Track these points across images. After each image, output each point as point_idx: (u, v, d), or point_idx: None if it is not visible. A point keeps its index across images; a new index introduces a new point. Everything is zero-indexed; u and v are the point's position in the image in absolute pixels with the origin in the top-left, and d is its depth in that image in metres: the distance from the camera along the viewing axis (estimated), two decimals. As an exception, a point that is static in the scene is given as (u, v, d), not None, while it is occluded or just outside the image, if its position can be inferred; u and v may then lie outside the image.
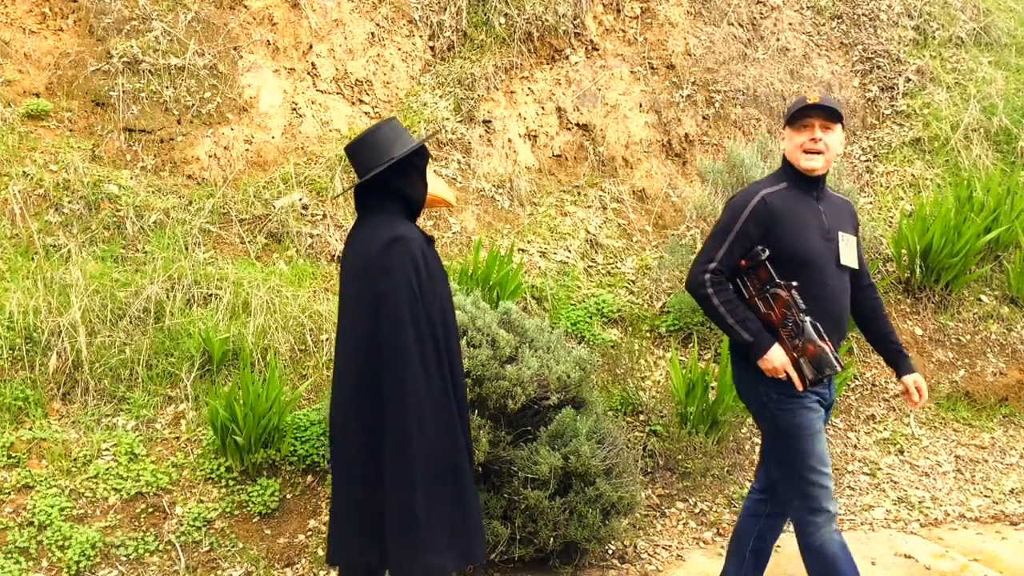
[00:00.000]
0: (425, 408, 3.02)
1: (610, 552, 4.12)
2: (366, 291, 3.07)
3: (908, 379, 3.29)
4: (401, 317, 3.01)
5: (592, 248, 6.11)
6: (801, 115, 3.13)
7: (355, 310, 3.09)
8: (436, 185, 3.33)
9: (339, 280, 3.25)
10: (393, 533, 3.04)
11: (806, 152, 3.12)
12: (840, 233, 3.14)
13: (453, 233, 5.90)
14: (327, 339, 4.91)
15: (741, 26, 7.49)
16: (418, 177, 3.22)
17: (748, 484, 4.80)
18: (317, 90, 6.23)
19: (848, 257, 3.14)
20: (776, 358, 3.04)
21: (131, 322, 4.69)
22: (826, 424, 3.24)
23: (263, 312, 4.84)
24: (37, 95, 5.60)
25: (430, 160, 3.31)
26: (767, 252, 3.07)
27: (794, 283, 3.05)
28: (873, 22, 7.96)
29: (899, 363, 3.32)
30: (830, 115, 3.11)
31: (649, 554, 4.17)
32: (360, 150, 3.18)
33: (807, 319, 3.02)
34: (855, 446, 5.29)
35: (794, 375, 3.04)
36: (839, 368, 3.01)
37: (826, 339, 3.02)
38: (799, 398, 3.09)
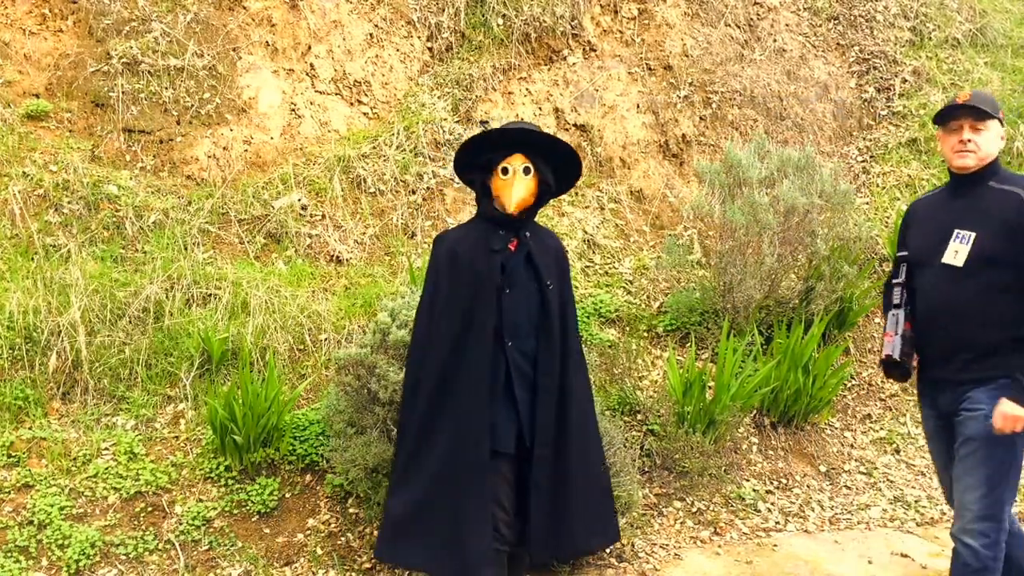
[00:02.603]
0: (411, 404, 3.24)
1: (608, 551, 4.14)
2: None
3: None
4: (418, 310, 3.31)
5: (590, 248, 6.13)
6: (949, 116, 3.15)
7: None
8: (514, 189, 3.21)
9: None
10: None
11: (956, 152, 3.15)
12: (956, 231, 3.08)
13: (451, 233, 5.92)
14: (325, 339, 4.93)
15: (738, 27, 7.51)
16: (488, 176, 3.29)
17: (745, 483, 4.82)
18: (316, 91, 6.25)
19: (952, 256, 3.06)
20: None
21: (130, 322, 4.71)
22: (962, 442, 3.09)
23: (262, 312, 4.86)
24: (37, 96, 5.61)
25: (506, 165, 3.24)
26: (901, 254, 3.30)
27: (896, 280, 3.24)
28: (869, 23, 7.99)
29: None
30: (978, 115, 3.09)
31: (647, 553, 4.19)
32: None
33: (890, 312, 3.22)
34: (852, 445, 5.31)
35: None
36: (882, 355, 3.19)
37: (889, 332, 3.17)
38: (919, 396, 3.37)
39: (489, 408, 3.14)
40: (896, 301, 3.19)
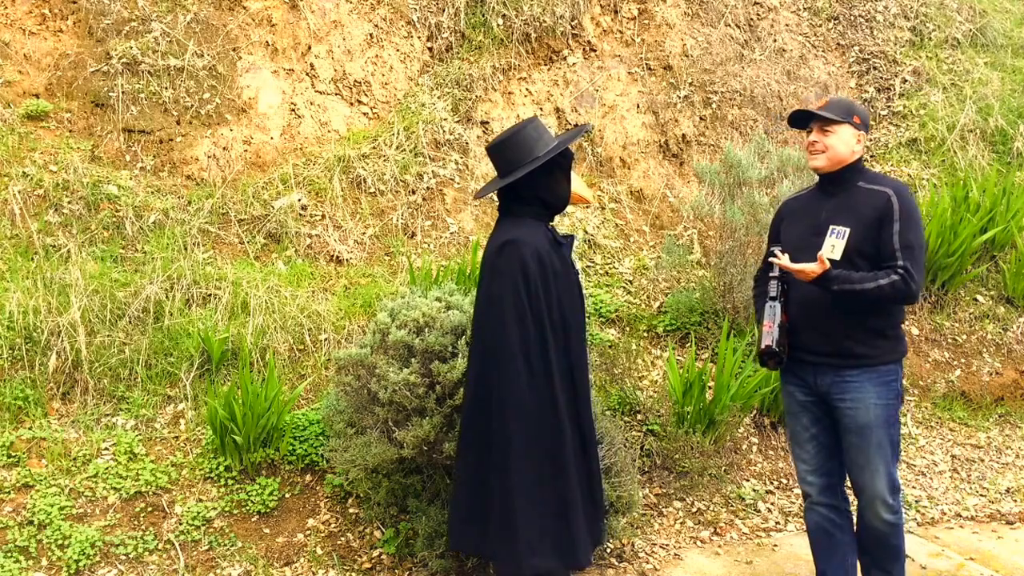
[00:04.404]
0: (527, 411, 3.11)
1: (608, 551, 4.14)
2: (482, 293, 3.22)
3: None
4: (505, 319, 3.11)
5: (590, 248, 6.13)
6: (798, 120, 3.46)
7: (476, 311, 3.27)
8: (575, 183, 3.43)
9: None
10: (495, 531, 3.15)
11: (809, 154, 3.44)
12: (832, 227, 3.31)
13: (451, 233, 5.92)
14: (325, 339, 4.93)
15: (738, 27, 7.51)
16: (562, 176, 3.31)
17: (745, 483, 4.82)
18: (316, 91, 6.25)
19: (829, 249, 3.28)
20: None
21: (130, 322, 4.71)
22: (855, 430, 3.32)
23: (262, 312, 4.86)
24: (37, 96, 5.61)
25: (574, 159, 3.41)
26: (773, 247, 3.45)
27: (773, 274, 3.38)
28: (869, 23, 7.99)
29: None
30: (824, 120, 3.35)
31: (647, 553, 4.19)
32: (503, 150, 3.25)
33: (767, 304, 3.36)
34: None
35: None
36: (761, 346, 3.31)
37: (766, 321, 3.31)
38: (782, 375, 3.56)
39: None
40: (773, 293, 3.35)
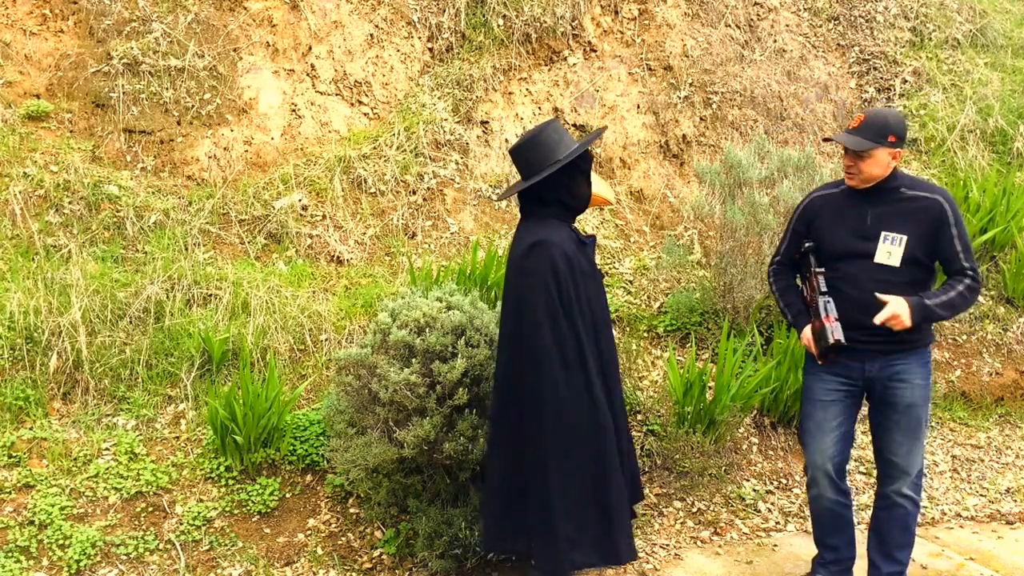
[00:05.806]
0: (563, 408, 3.16)
1: (608, 551, 4.14)
2: (511, 294, 3.25)
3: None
4: (538, 319, 3.15)
5: (590, 249, 6.13)
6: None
7: (504, 312, 3.30)
8: (596, 185, 3.47)
9: None
10: (535, 528, 3.18)
11: (845, 173, 3.51)
12: (884, 233, 3.40)
13: (451, 233, 5.92)
14: (326, 339, 4.94)
15: (738, 28, 7.52)
16: (583, 178, 3.34)
17: (746, 483, 4.82)
18: (316, 91, 6.26)
19: (885, 256, 3.40)
20: (804, 335, 3.57)
21: (131, 322, 4.71)
22: (902, 409, 3.47)
23: (262, 312, 4.86)
24: (38, 96, 5.62)
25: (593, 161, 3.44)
26: (811, 244, 3.55)
27: (819, 270, 3.48)
28: (870, 24, 7.99)
29: None
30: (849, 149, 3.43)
31: (647, 553, 4.20)
32: (524, 153, 3.28)
33: (821, 299, 3.43)
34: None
35: (812, 348, 3.52)
36: (831, 341, 3.35)
37: (830, 316, 3.37)
38: (812, 366, 3.64)
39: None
40: (824, 289, 3.44)
